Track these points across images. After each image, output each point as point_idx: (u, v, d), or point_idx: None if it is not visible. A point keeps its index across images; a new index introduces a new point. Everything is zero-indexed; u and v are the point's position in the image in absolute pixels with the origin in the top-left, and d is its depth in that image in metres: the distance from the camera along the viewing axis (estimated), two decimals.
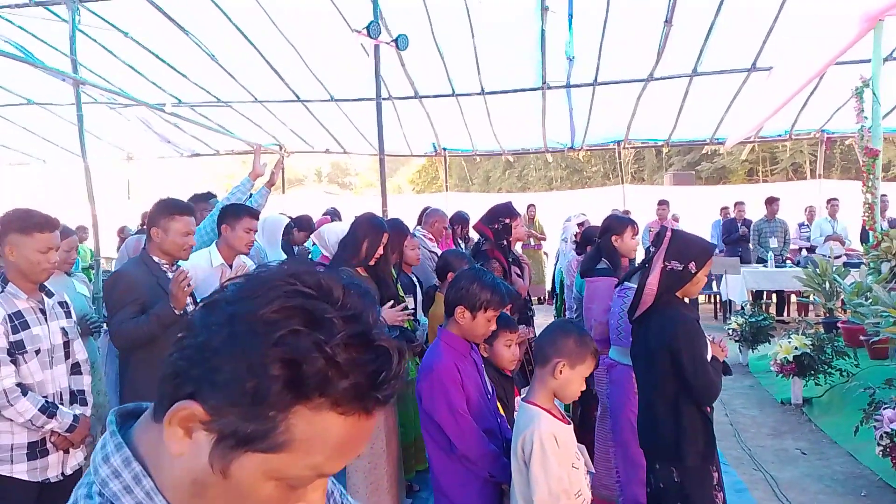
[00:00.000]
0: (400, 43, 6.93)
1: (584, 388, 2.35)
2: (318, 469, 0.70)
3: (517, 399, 2.75)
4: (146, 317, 3.01)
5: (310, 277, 0.70)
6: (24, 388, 2.69)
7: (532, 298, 11.81)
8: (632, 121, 11.41)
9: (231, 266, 3.73)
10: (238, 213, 3.76)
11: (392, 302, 3.61)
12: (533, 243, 11.95)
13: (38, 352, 2.75)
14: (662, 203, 10.39)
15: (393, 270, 4.16)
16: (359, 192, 35.09)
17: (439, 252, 4.86)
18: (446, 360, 2.46)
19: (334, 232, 4.07)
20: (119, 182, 14.45)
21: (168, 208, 3.22)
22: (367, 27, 6.50)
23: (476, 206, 5.61)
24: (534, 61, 9.47)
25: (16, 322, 2.70)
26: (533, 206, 12.18)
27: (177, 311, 2.99)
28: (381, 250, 3.64)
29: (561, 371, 2.23)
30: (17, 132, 12.16)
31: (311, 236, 5.11)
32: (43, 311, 2.82)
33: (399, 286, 4.18)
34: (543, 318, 7.10)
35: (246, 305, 0.68)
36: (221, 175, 27.72)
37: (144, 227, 3.85)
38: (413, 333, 4.04)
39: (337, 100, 10.90)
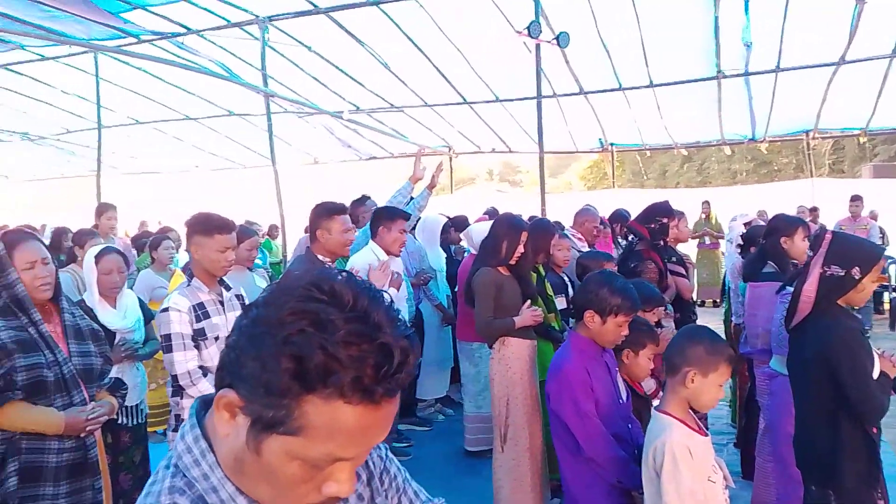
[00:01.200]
0: (561, 41, 6.90)
1: (722, 396, 2.24)
2: (334, 453, 0.78)
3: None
4: None
5: (325, 285, 0.80)
6: (204, 370, 3.07)
7: (706, 301, 11.23)
8: (822, 108, 10.37)
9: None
10: (393, 215, 4.00)
11: (528, 302, 3.63)
12: (708, 242, 11.31)
13: (216, 339, 3.12)
14: (855, 199, 9.34)
15: (541, 270, 4.19)
16: (528, 189, 35.15)
17: None
18: (575, 362, 2.45)
19: (480, 232, 4.18)
20: (306, 184, 15.72)
21: (326, 210, 3.51)
22: (528, 27, 6.55)
23: (648, 202, 5.41)
24: (707, 50, 8.95)
25: (199, 312, 3.08)
26: (707, 202, 11.52)
27: None
28: (521, 249, 3.69)
29: (692, 380, 2.14)
30: (221, 140, 13.68)
31: (461, 235, 5.27)
32: (221, 303, 3.19)
33: (548, 286, 4.19)
34: (710, 321, 6.68)
35: (267, 310, 0.79)
36: (396, 176, 29.11)
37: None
38: (561, 333, 4.04)
39: (501, 100, 11.04)
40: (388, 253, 3.94)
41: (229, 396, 0.80)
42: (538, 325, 3.73)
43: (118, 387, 2.70)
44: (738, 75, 9.46)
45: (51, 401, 2.37)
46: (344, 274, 0.84)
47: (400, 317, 0.82)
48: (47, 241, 4.02)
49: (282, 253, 9.22)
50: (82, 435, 2.42)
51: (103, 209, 5.87)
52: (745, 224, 5.01)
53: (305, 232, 11.86)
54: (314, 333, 0.75)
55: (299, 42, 9.29)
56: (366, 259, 3.89)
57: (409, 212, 4.46)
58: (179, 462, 0.87)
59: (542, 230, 4.19)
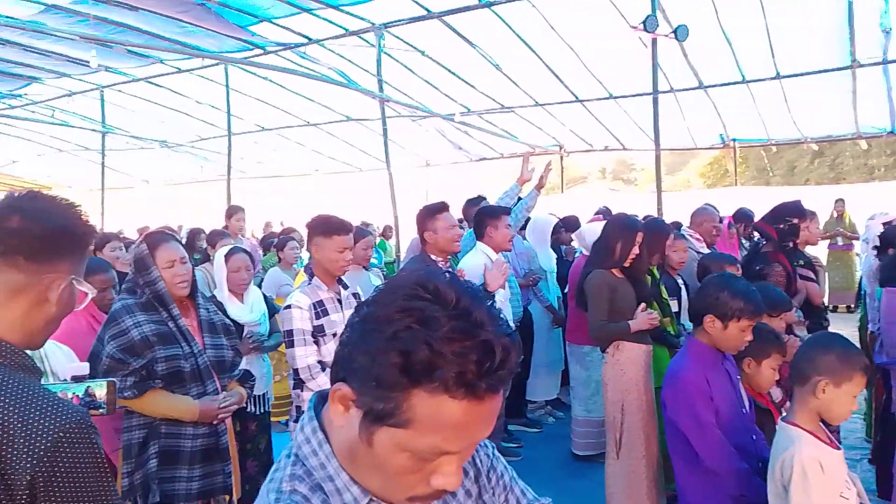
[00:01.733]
0: (679, 34, 6.65)
1: (855, 408, 2.08)
2: (440, 446, 0.82)
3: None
4: None
5: (430, 284, 0.83)
6: (323, 366, 3.21)
7: (838, 306, 10.45)
8: None
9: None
10: (495, 212, 4.02)
11: (643, 305, 3.53)
12: (841, 243, 10.52)
13: (334, 335, 3.26)
14: None
15: (656, 272, 4.06)
16: (643, 188, 34.07)
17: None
18: (693, 369, 2.36)
19: (593, 232, 4.11)
20: (418, 186, 16.04)
21: (429, 212, 3.58)
22: (644, 21, 6.36)
23: (773, 201, 5.06)
24: (840, 38, 8.32)
25: (318, 310, 3.22)
26: (841, 201, 10.72)
27: None
28: (635, 251, 3.59)
29: (823, 390, 2.01)
30: (338, 145, 14.23)
31: (572, 236, 5.19)
32: (339, 301, 3.33)
33: (662, 288, 4.06)
34: (844, 328, 6.19)
35: (376, 308, 0.84)
36: (506, 177, 29.05)
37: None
38: (676, 338, 3.90)
39: (615, 97, 10.78)
40: (500, 250, 3.96)
41: (343, 390, 0.85)
42: (653, 330, 3.62)
43: (247, 378, 2.88)
44: (875, 64, 8.74)
45: (187, 390, 2.57)
46: (447, 274, 0.88)
47: (502, 315, 0.85)
48: (183, 242, 4.35)
49: (395, 253, 9.46)
50: (215, 422, 2.61)
51: (233, 211, 6.26)
52: (883, 223, 4.64)
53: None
54: (419, 330, 0.79)
55: (413, 47, 9.49)
56: (477, 261, 3.93)
57: (515, 212, 4.47)
58: (299, 451, 0.92)
59: (657, 230, 4.06)
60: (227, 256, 3.63)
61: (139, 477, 2.49)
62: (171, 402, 2.51)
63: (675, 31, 6.65)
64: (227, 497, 2.66)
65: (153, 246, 2.63)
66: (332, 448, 0.91)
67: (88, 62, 9.63)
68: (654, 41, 6.66)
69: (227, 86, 10.14)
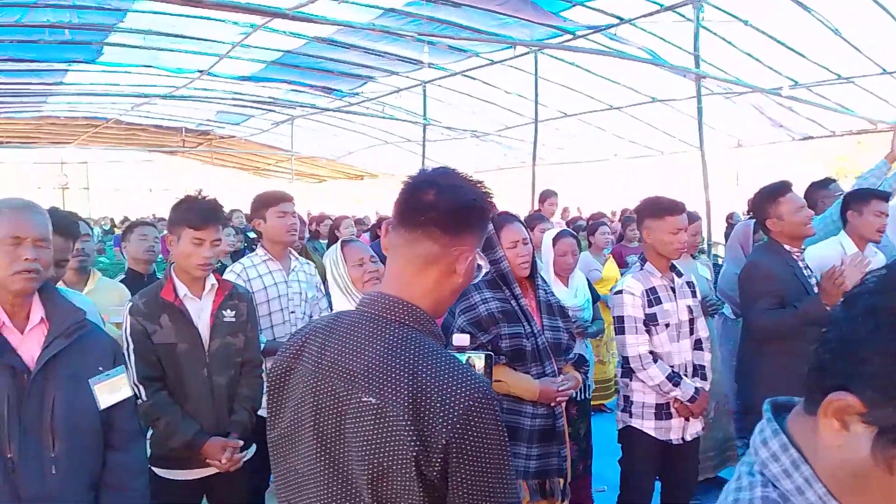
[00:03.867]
0: None
1: None
2: None
3: None
4: (792, 310, 3.01)
5: None
6: (654, 356, 3.05)
7: None
8: None
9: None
10: (865, 197, 3.42)
11: None
12: None
13: (667, 325, 3.07)
14: None
15: None
16: None
17: None
18: None
19: None
20: (728, 169, 14.81)
21: (771, 194, 3.22)
22: None
23: None
24: None
25: (651, 297, 3.06)
26: None
27: (828, 307, 2.89)
28: None
29: None
30: (640, 128, 13.73)
31: None
32: (673, 289, 3.13)
33: None
34: None
35: (888, 298, 0.67)
36: (830, 158, 25.46)
37: (750, 214, 3.86)
38: None
39: None
40: (865, 240, 3.37)
41: (846, 400, 0.68)
42: None
43: (581, 363, 2.84)
44: None
45: (527, 368, 2.60)
46: None
47: None
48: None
49: (708, 239, 8.82)
50: (552, 404, 2.61)
51: (546, 195, 6.37)
52: None
53: (727, 221, 11.21)
54: None
55: (735, 17, 8.69)
56: (828, 252, 3.40)
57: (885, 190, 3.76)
58: (765, 471, 0.78)
59: None
60: (555, 239, 3.64)
61: None
62: (514, 379, 2.56)
63: None
64: (561, 480, 2.65)
65: (498, 226, 2.70)
66: (814, 470, 0.75)
67: (416, 60, 10.63)
68: None
69: (535, 73, 10.37)
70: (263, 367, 2.95)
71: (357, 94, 13.55)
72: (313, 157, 20.53)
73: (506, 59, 10.83)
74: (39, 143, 18.93)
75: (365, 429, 1.19)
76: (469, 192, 1.31)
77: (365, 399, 1.20)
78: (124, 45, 9.85)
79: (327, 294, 3.79)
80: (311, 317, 3.49)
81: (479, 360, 1.61)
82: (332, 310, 2.80)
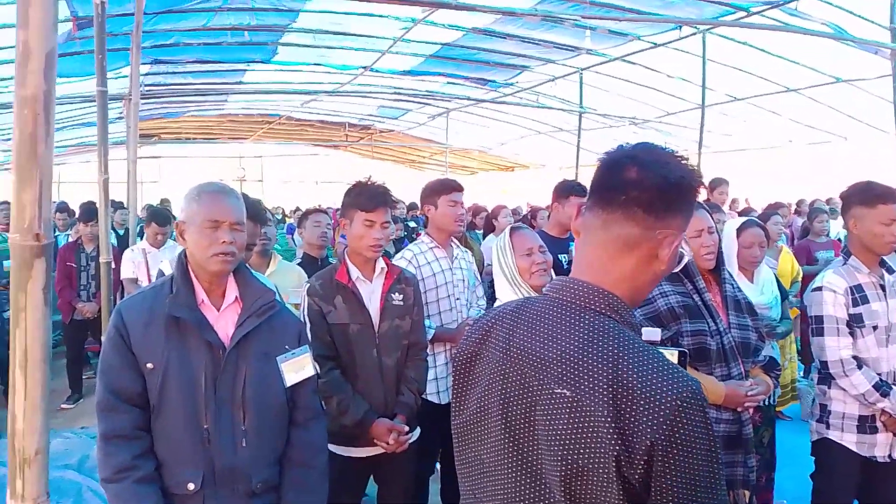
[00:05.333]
0: None
1: None
2: None
3: None
4: None
5: None
6: (859, 362, 2.71)
7: None
8: None
9: None
10: None
11: None
12: None
13: (874, 328, 2.72)
14: None
15: None
16: None
17: None
18: None
19: None
20: None
21: None
22: None
23: None
24: None
25: (856, 295, 2.73)
26: None
27: None
28: None
29: None
30: (821, 111, 12.50)
31: None
32: (882, 287, 2.76)
33: None
34: None
35: None
36: None
37: None
38: None
39: None
40: None
41: None
42: None
43: (773, 366, 2.58)
44: None
45: (711, 369, 2.40)
46: None
47: None
48: None
49: None
50: (739, 409, 2.38)
51: (717, 184, 5.96)
52: None
53: None
54: None
55: None
56: None
57: None
58: None
59: None
60: (740, 230, 3.35)
61: None
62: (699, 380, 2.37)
63: None
64: (747, 493, 2.42)
65: None
66: None
67: (573, 47, 10.37)
68: None
69: (703, 55, 9.73)
70: (428, 351, 3.00)
71: (512, 84, 13.47)
72: (465, 149, 20.76)
73: (670, 42, 10.26)
74: (220, 139, 20.70)
75: (558, 422, 1.11)
76: (676, 169, 1.18)
77: (558, 391, 1.12)
78: (296, 45, 10.45)
79: (482, 283, 3.79)
80: (469, 304, 3.49)
81: (671, 357, 1.47)
82: (493, 301, 2.76)
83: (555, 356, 1.15)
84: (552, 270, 2.60)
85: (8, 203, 7.63)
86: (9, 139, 14.63)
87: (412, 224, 9.04)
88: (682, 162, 1.20)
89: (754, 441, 3.40)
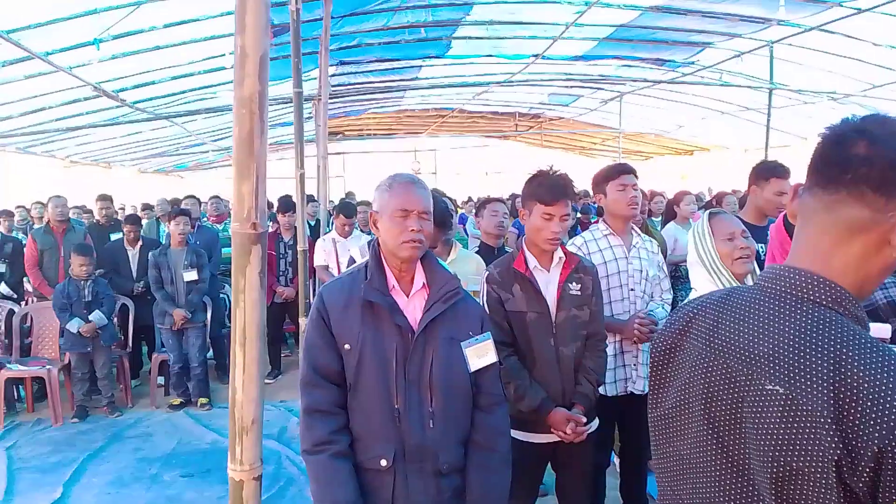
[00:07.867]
0: None
1: None
2: None
3: None
4: None
5: None
6: None
7: None
8: None
9: None
10: None
11: None
12: None
13: None
14: None
15: None
16: None
17: None
18: None
19: None
20: None
21: None
22: None
23: None
24: None
25: None
26: None
27: None
28: None
29: None
30: None
31: None
32: None
33: None
34: None
35: None
36: None
37: None
38: None
39: None
40: None
41: None
42: None
43: None
44: None
45: None
46: None
47: None
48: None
49: None
50: None
51: None
52: None
53: None
54: None
55: None
56: None
57: None
58: None
59: None
60: None
61: None
62: None
63: None
64: None
65: None
66: None
67: (763, 19, 9.57)
68: None
69: None
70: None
71: (692, 62, 12.72)
72: (639, 133, 19.96)
73: (877, 6, 9.13)
74: (398, 134, 21.67)
75: (769, 421, 1.03)
76: None
77: (769, 387, 1.04)
78: (469, 38, 10.65)
79: (668, 275, 3.60)
80: (651, 297, 3.35)
81: None
82: (687, 293, 2.64)
83: (766, 350, 1.07)
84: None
85: (217, 197, 8.56)
86: (217, 139, 16.40)
87: (580, 214, 8.91)
88: None
89: None
